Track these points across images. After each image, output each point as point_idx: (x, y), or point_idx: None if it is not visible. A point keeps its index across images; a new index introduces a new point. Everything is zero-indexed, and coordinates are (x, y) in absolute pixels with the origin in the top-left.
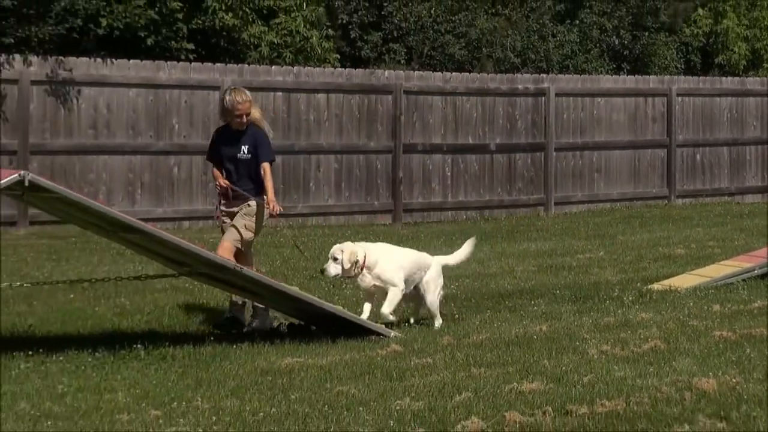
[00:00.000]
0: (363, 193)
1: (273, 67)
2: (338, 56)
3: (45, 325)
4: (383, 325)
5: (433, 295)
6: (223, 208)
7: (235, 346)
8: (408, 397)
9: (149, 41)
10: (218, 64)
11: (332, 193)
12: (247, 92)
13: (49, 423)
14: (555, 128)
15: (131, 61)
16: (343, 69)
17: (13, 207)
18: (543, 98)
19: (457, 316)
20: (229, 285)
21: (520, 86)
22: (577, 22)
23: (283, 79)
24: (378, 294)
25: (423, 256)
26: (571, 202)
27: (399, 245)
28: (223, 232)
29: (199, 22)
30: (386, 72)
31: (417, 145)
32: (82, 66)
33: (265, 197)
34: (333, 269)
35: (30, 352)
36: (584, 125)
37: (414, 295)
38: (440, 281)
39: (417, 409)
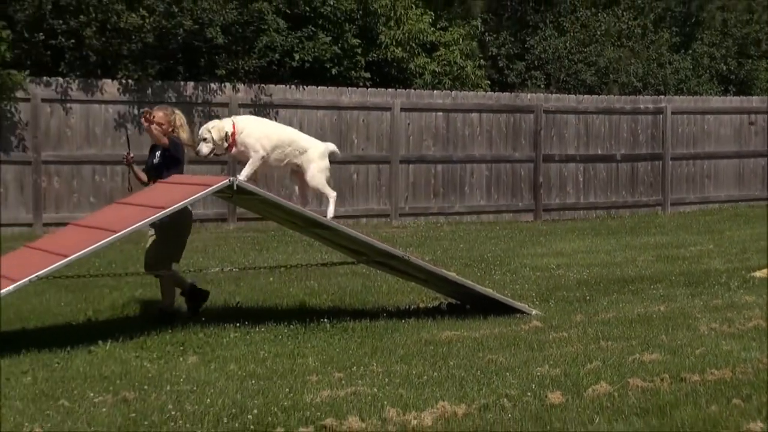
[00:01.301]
0: (509, 195)
1: (434, 91)
2: (489, 82)
3: (250, 302)
4: (525, 305)
5: (312, 173)
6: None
7: (403, 321)
8: (546, 364)
9: (333, 71)
10: (390, 90)
11: (483, 195)
12: (169, 110)
13: (252, 382)
14: (671, 141)
15: (319, 87)
16: (493, 93)
17: (224, 207)
18: (661, 116)
19: (588, 297)
20: (398, 271)
21: (641, 106)
22: (690, 51)
23: (442, 102)
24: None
25: (298, 137)
26: (684, 203)
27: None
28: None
29: (374, 55)
30: (528, 95)
31: (554, 155)
32: (279, 92)
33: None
34: (205, 148)
35: (238, 324)
36: (696, 138)
37: (296, 173)
38: (323, 164)
39: (554, 374)
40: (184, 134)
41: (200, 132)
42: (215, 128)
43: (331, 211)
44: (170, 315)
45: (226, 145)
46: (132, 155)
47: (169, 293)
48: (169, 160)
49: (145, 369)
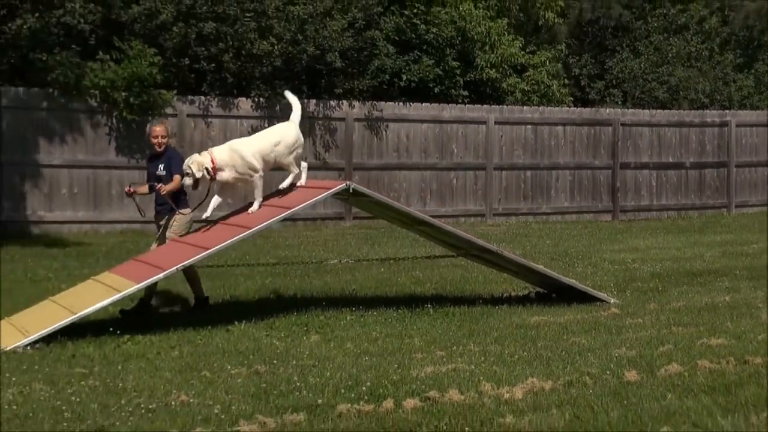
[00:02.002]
0: (590, 198)
1: (524, 107)
2: (572, 99)
3: (363, 290)
4: (604, 294)
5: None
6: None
7: (497, 307)
8: (623, 347)
9: (436, 90)
10: (485, 106)
11: (567, 197)
12: (166, 122)
13: (366, 358)
14: (735, 150)
15: (423, 104)
16: (576, 108)
17: (341, 207)
18: (726, 128)
19: (660, 288)
20: (492, 264)
21: (708, 119)
22: (753, 71)
23: (531, 116)
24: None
25: (267, 137)
26: (747, 205)
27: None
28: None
29: (471, 75)
30: (607, 110)
31: (630, 163)
32: (389, 108)
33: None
34: (188, 181)
35: (353, 308)
36: (758, 148)
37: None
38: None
39: (630, 356)
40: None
41: (183, 167)
42: (195, 163)
43: (285, 183)
44: (203, 300)
45: (208, 177)
46: (133, 189)
47: (195, 283)
48: (173, 164)
49: (274, 346)
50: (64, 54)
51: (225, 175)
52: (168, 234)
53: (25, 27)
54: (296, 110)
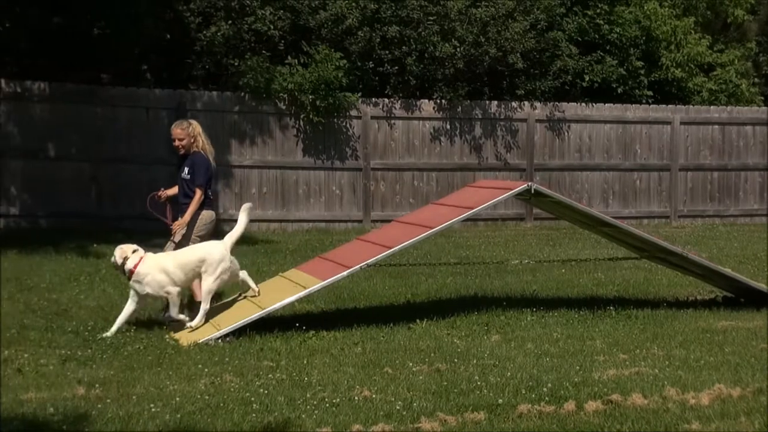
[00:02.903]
0: None
1: (711, 107)
2: (762, 98)
3: (544, 290)
4: None
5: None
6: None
7: (681, 311)
8: None
9: (619, 90)
10: (669, 106)
11: (757, 200)
12: (185, 124)
13: (547, 359)
14: None
15: (606, 104)
16: (766, 107)
17: (522, 207)
18: None
19: None
20: (676, 266)
21: None
22: None
23: (719, 116)
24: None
25: (190, 254)
26: None
27: None
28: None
29: (656, 75)
30: None
31: None
32: (570, 109)
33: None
34: (113, 260)
35: (534, 309)
36: None
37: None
38: (220, 268)
39: None
40: (200, 140)
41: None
42: (119, 249)
43: (175, 315)
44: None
45: (125, 270)
46: (163, 193)
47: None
48: (195, 170)
49: (455, 344)
50: (255, 59)
51: (138, 287)
52: (193, 237)
53: (218, 34)
54: (235, 229)
